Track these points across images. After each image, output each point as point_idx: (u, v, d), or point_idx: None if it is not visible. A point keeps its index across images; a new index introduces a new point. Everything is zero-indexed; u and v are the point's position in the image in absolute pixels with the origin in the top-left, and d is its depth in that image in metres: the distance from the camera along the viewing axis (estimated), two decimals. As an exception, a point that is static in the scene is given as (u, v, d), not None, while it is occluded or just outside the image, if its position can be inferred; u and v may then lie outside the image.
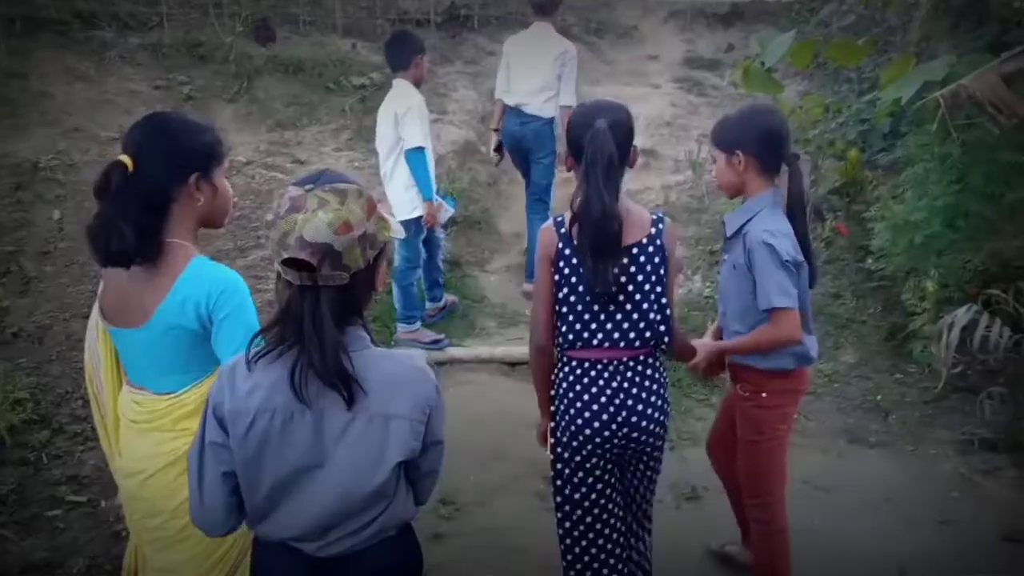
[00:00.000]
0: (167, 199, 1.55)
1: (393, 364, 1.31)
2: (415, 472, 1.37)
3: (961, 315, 3.26)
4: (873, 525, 2.90)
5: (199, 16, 6.16)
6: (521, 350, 4.13)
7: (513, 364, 4.09)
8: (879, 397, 3.87)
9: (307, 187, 1.23)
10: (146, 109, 5.38)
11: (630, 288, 1.86)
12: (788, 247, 2.00)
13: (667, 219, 1.94)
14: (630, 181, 4.42)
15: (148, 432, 1.60)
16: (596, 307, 1.87)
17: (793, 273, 2.00)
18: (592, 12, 8.32)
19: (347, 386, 1.21)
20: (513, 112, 4.45)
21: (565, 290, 1.88)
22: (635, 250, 1.86)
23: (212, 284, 1.52)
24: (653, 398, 1.92)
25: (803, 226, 2.09)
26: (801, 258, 2.04)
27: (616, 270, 1.83)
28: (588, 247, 1.80)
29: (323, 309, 1.20)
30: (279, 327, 1.25)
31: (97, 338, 1.69)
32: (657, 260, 1.88)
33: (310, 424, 1.24)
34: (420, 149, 3.72)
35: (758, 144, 2.05)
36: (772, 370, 2.12)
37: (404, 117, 3.65)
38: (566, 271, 1.87)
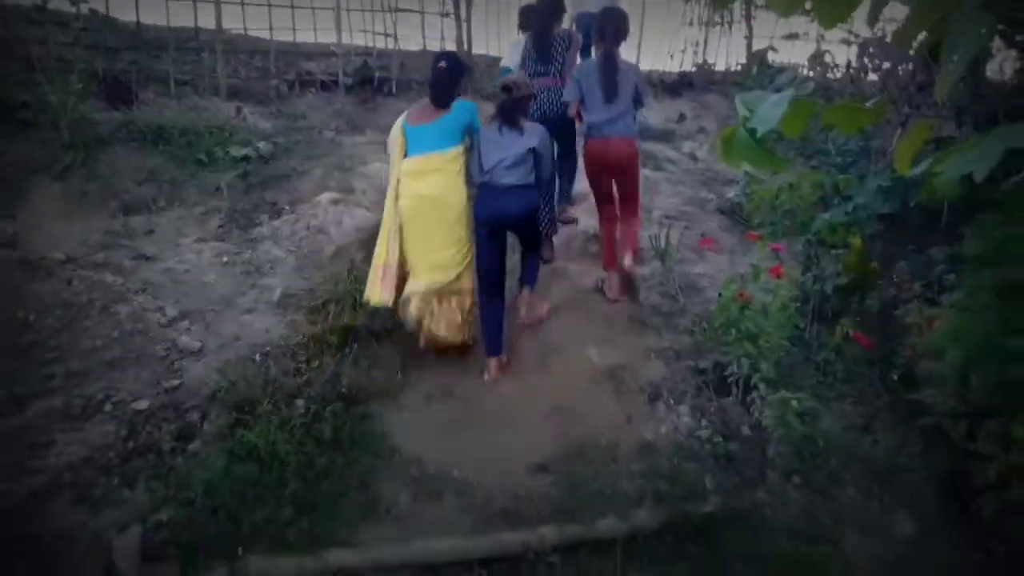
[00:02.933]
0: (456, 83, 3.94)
1: (532, 123, 3.95)
2: (538, 167, 3.90)
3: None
4: None
5: (22, 71, 4.73)
6: (449, 543, 2.79)
7: (437, 568, 2.72)
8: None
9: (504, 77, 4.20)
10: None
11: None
12: (578, 75, 4.27)
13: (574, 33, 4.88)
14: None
15: (433, 174, 3.79)
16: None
17: (575, 83, 4.25)
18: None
19: (520, 128, 3.85)
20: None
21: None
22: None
23: (471, 110, 3.92)
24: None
25: (606, 68, 4.15)
26: (581, 78, 4.25)
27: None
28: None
29: (514, 108, 3.85)
30: (496, 113, 3.90)
31: (398, 137, 3.88)
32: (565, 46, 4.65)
33: (502, 138, 3.83)
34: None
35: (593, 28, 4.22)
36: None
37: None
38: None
